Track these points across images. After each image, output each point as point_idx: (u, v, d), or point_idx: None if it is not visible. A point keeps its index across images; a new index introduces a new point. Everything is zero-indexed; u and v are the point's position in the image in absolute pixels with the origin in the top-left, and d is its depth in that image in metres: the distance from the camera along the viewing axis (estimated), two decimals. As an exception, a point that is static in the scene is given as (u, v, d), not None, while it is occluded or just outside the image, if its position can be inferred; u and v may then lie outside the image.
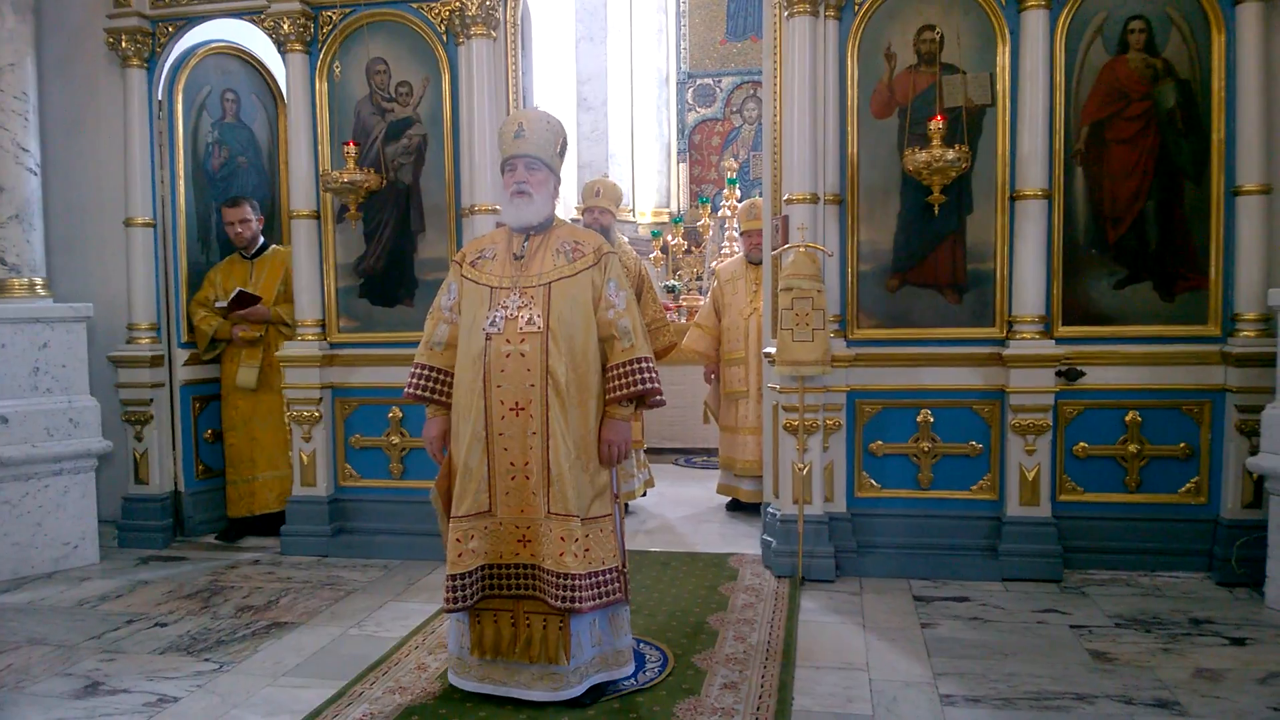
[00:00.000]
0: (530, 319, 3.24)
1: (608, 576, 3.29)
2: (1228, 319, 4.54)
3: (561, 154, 3.47)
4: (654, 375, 3.31)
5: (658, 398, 3.35)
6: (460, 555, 3.27)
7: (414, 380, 3.46)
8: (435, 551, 5.01)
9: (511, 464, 3.25)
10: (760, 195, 6.15)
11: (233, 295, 5.41)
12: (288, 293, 5.50)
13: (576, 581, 3.18)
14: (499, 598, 3.32)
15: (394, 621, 4.24)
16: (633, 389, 3.28)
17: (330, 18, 5.15)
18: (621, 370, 3.30)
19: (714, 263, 9.38)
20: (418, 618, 4.28)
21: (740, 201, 8.41)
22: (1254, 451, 4.37)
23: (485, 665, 3.38)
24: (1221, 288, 4.55)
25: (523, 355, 3.23)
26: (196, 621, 4.29)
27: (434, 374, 3.46)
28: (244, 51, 5.88)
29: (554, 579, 3.20)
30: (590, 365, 3.31)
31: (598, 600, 3.24)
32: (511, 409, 3.23)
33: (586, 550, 3.24)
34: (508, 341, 3.24)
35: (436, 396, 3.46)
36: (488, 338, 3.26)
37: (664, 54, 11.53)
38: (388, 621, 4.25)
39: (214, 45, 5.73)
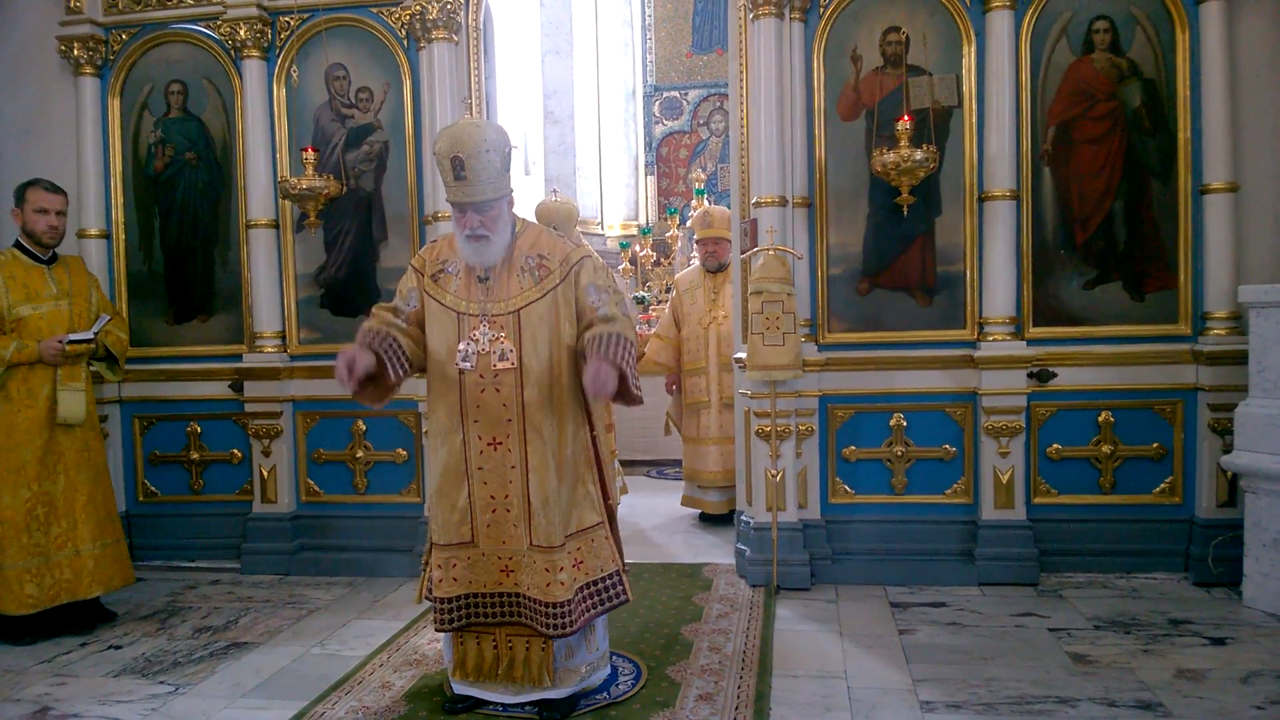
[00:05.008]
0: (502, 354, 3.15)
1: (609, 582, 3.29)
2: (1198, 317, 4.52)
3: (508, 166, 3.20)
4: (631, 354, 3.14)
5: (635, 387, 3.20)
6: (440, 581, 3.26)
7: (370, 329, 3.22)
8: (402, 568, 4.94)
9: (492, 497, 3.22)
10: (717, 205, 6.06)
11: (99, 322, 4.41)
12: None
13: (567, 608, 3.16)
14: (481, 624, 3.31)
15: (358, 640, 4.11)
16: (614, 355, 3.06)
17: (288, 23, 5.05)
18: (601, 337, 3.09)
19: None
20: (383, 635, 4.15)
21: (709, 213, 8.35)
22: (1227, 450, 4.35)
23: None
24: (1191, 286, 4.53)
25: (498, 391, 3.17)
26: (152, 643, 4.13)
27: (392, 338, 3.21)
28: (193, 35, 5.25)
29: (542, 608, 3.17)
30: (565, 376, 3.21)
31: (595, 609, 3.25)
32: (490, 444, 3.20)
33: (578, 564, 3.21)
34: (481, 377, 3.17)
35: (382, 350, 3.17)
36: (461, 372, 3.18)
37: (630, 67, 11.51)
38: (351, 640, 4.11)
39: (161, 34, 5.26)
